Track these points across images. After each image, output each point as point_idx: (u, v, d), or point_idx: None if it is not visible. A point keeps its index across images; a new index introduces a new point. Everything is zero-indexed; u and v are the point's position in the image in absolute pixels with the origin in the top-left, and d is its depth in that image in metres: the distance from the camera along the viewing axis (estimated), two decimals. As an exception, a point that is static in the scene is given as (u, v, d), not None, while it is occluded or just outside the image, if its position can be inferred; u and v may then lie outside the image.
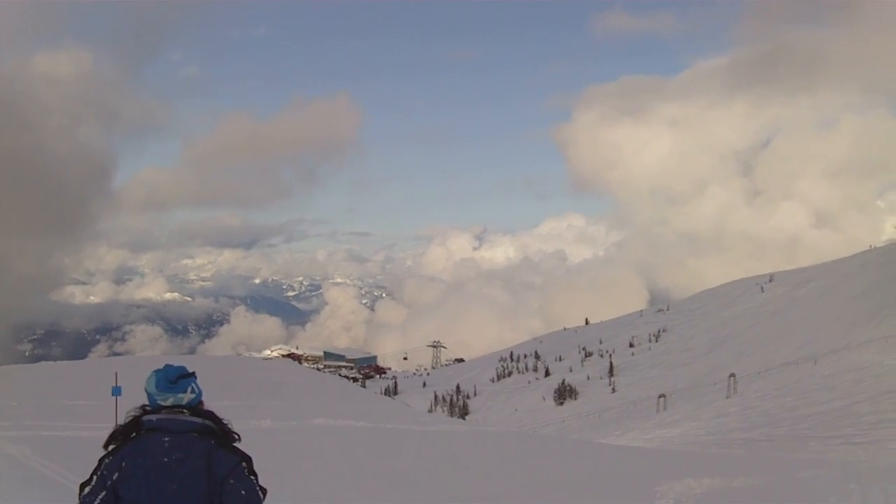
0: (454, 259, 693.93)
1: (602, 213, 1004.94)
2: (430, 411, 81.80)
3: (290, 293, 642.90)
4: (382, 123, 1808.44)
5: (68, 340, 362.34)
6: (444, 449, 17.37)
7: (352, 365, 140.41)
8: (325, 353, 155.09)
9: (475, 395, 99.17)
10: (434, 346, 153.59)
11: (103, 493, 2.91)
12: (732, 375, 42.02)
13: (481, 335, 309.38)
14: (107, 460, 2.96)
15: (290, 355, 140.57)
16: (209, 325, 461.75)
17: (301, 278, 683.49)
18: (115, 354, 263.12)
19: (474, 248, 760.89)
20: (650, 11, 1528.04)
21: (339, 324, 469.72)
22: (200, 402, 3.16)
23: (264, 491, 3.09)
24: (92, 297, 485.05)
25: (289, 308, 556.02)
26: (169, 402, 3.06)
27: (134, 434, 3.02)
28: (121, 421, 3.14)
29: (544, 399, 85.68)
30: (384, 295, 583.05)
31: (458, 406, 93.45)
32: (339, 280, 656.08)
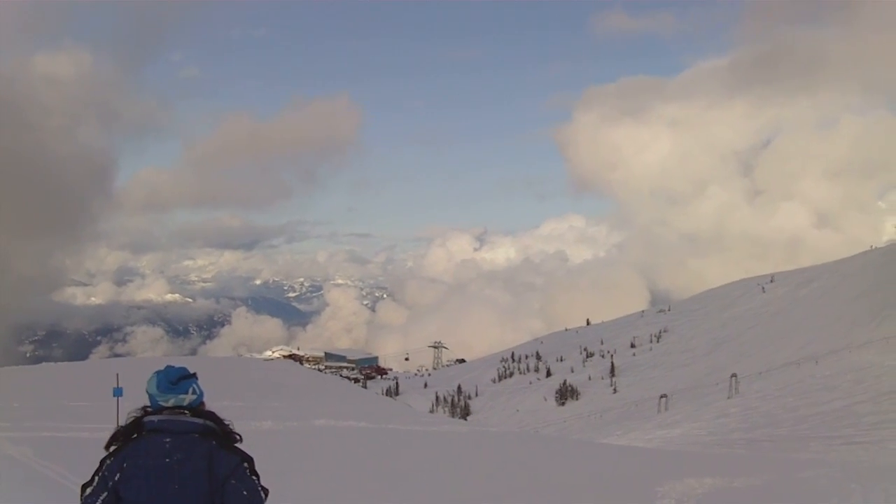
0: (455, 260, 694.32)
1: (603, 213, 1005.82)
2: (431, 412, 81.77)
3: (291, 294, 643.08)
4: (382, 124, 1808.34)
5: (69, 342, 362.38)
6: (445, 450, 17.37)
7: (353, 366, 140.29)
8: (326, 353, 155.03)
9: (476, 395, 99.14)
10: (435, 347, 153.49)
11: (105, 494, 2.91)
12: (734, 376, 42.02)
13: (482, 336, 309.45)
14: (108, 461, 2.97)
15: (292, 356, 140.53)
16: (210, 326, 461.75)
17: (302, 279, 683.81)
18: (116, 356, 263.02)
19: (475, 249, 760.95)
20: (650, 12, 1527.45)
21: (341, 325, 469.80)
22: (202, 403, 3.17)
23: (266, 491, 3.10)
24: (93, 299, 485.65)
25: (290, 309, 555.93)
26: (170, 403, 3.07)
27: (135, 435, 3.02)
28: (122, 422, 3.15)
29: (545, 399, 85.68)
30: (385, 296, 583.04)
31: (459, 407, 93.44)
32: (340, 281, 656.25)
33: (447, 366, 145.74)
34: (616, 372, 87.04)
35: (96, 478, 2.95)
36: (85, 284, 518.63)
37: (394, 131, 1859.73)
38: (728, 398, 38.15)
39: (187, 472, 2.92)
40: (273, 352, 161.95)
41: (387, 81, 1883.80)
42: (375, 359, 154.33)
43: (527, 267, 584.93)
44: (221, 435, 3.09)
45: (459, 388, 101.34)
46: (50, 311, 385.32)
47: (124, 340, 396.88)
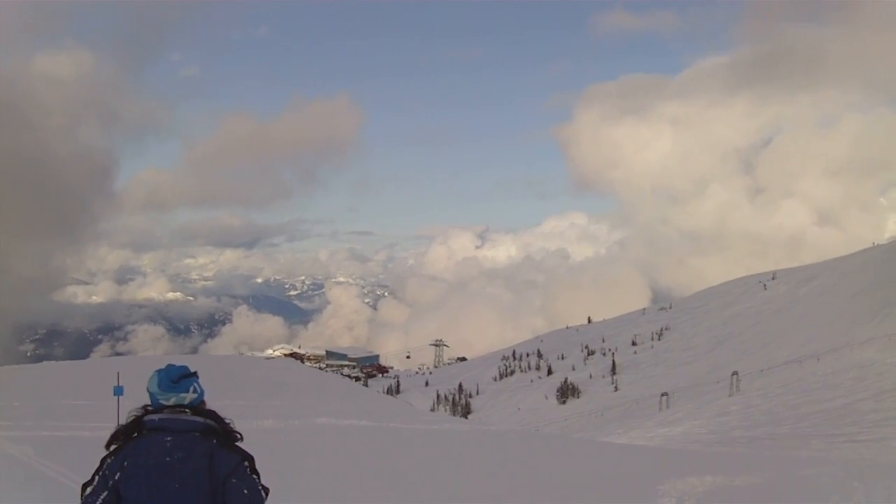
0: (456, 258, 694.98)
1: (604, 211, 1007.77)
2: (432, 410, 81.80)
3: (293, 292, 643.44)
4: (383, 123, 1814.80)
5: (70, 340, 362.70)
6: (446, 448, 17.35)
7: (354, 364, 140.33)
8: (327, 352, 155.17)
9: (477, 393, 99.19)
10: (436, 345, 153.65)
11: (105, 493, 2.90)
12: (735, 374, 42.01)
13: (483, 334, 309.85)
14: (109, 460, 2.95)
15: (293, 354, 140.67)
16: (211, 324, 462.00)
17: (303, 277, 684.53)
18: (118, 354, 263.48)
19: (476, 247, 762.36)
20: (651, 10, 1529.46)
21: (342, 323, 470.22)
22: (202, 402, 3.16)
23: (266, 490, 3.08)
24: (94, 297, 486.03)
25: (291, 307, 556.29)
26: (171, 402, 3.06)
27: (136, 434, 3.01)
28: (123, 421, 3.14)
29: (547, 398, 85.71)
30: (386, 294, 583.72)
31: (460, 405, 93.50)
32: (341, 279, 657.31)
33: (448, 364, 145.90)
34: (617, 370, 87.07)
35: (97, 477, 2.94)
36: (86, 283, 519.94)
37: (394, 131, 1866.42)
38: (729, 396, 38.14)
39: (188, 471, 2.91)
40: (274, 350, 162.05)
41: (387, 81, 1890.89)
42: (377, 357, 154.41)
43: (528, 265, 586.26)
44: (222, 434, 3.08)
45: (460, 386, 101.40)
46: (51, 309, 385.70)
47: (125, 339, 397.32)
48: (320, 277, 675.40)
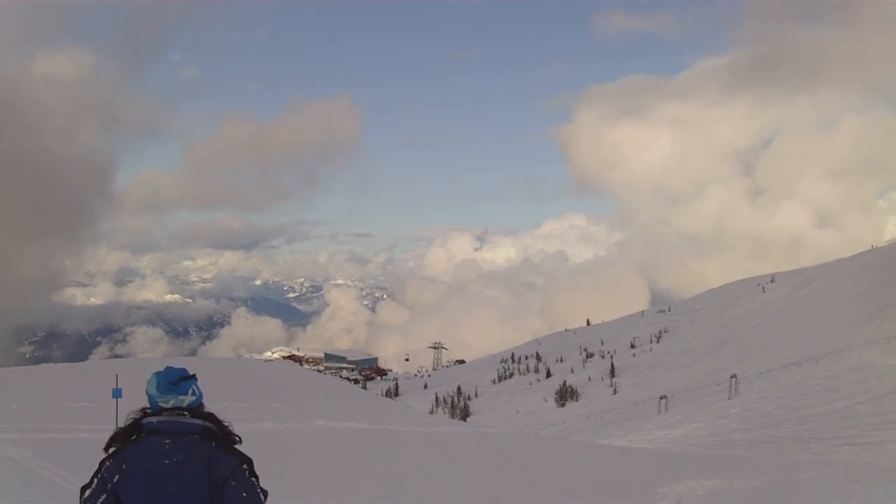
0: (455, 260, 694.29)
1: (603, 213, 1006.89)
2: (431, 413, 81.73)
3: (291, 295, 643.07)
4: (383, 125, 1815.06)
5: (69, 342, 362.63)
6: (445, 451, 17.35)
7: (353, 366, 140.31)
8: (326, 354, 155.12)
9: (476, 396, 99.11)
10: (435, 348, 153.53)
11: (104, 496, 2.89)
12: (734, 376, 42.01)
13: (482, 336, 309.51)
14: (107, 463, 2.95)
15: (291, 357, 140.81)
16: (210, 326, 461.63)
17: (302, 280, 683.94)
18: (116, 356, 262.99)
19: (475, 249, 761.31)
20: (650, 11, 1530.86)
21: (340, 325, 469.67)
22: (201, 405, 3.15)
23: (265, 493, 3.08)
24: (93, 299, 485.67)
25: (290, 309, 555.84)
26: (170, 405, 3.05)
27: (134, 436, 3.00)
28: (121, 423, 3.13)
29: (545, 400, 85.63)
30: (385, 296, 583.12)
31: (459, 408, 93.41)
32: (340, 281, 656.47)
33: (447, 367, 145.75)
34: (616, 372, 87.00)
35: (95, 479, 2.94)
36: (85, 285, 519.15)
37: (394, 132, 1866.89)
38: (728, 399, 38.14)
39: (187, 474, 2.90)
40: (273, 352, 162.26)
41: (387, 83, 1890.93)
42: (375, 360, 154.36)
43: (527, 267, 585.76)
44: (221, 436, 3.07)
45: (459, 389, 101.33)
46: (50, 311, 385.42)
47: (124, 341, 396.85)
48: (319, 279, 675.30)
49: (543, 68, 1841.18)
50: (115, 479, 2.89)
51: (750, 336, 77.08)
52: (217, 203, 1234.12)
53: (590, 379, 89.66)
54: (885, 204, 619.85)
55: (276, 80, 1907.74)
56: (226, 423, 3.15)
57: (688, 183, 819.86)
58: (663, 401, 45.40)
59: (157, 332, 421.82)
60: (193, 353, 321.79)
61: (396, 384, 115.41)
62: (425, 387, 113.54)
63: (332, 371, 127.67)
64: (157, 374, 3.11)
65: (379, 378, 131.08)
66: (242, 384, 32.01)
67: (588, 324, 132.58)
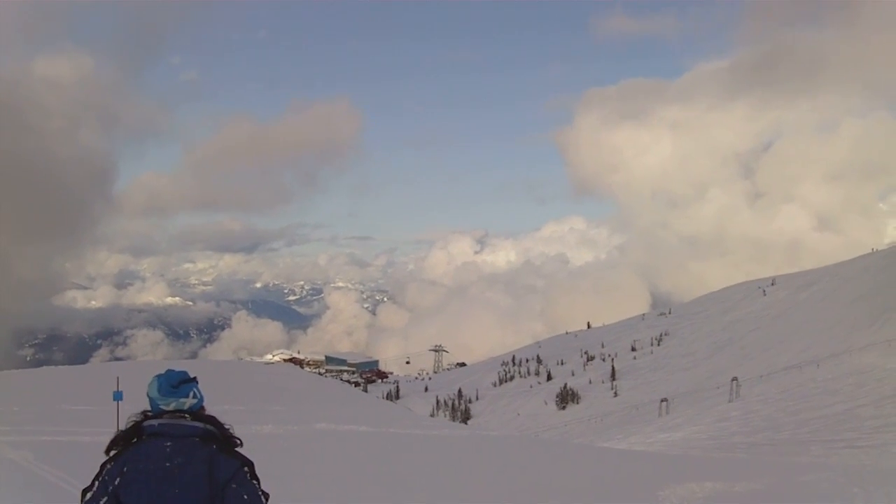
0: (456, 263, 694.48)
1: (604, 216, 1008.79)
2: (431, 416, 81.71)
3: (292, 297, 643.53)
4: (383, 126, 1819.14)
5: (69, 345, 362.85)
6: (445, 453, 17.34)
7: (353, 369, 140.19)
8: (326, 357, 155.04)
9: (477, 399, 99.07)
10: (436, 351, 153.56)
11: (105, 499, 2.89)
12: (735, 379, 41.99)
13: (483, 339, 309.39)
14: (108, 466, 2.95)
15: (292, 360, 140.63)
16: (210, 329, 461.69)
17: (302, 282, 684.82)
18: (117, 359, 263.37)
19: (476, 252, 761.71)
20: (650, 14, 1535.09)
21: (341, 328, 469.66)
22: (202, 408, 3.16)
23: (266, 495, 3.08)
24: (93, 302, 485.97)
25: (290, 312, 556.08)
26: (171, 407, 3.05)
27: (135, 439, 3.01)
28: (122, 426, 3.14)
29: (546, 403, 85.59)
30: (386, 299, 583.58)
31: (459, 410, 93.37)
32: (340, 284, 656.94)
33: (448, 369, 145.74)
34: (617, 375, 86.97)
35: (96, 482, 2.94)
36: (85, 288, 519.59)
37: (394, 134, 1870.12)
38: (729, 402, 38.11)
39: (188, 477, 2.90)
40: (273, 355, 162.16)
41: (387, 84, 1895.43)
42: (376, 362, 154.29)
43: (527, 269, 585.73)
44: (222, 439, 3.07)
45: (460, 391, 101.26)
46: (50, 314, 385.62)
47: (125, 344, 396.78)
48: (319, 282, 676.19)
49: (543, 70, 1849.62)
50: (117, 482, 2.90)
51: (750, 339, 77.04)
52: (217, 205, 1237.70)
53: (590, 382, 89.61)
54: (885, 207, 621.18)
55: (276, 82, 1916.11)
56: (227, 426, 3.15)
57: (688, 186, 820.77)
58: (664, 403, 45.40)
59: (158, 334, 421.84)
60: (194, 355, 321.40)
61: (397, 387, 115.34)
62: (426, 389, 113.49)
63: (333, 374, 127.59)
64: (159, 376, 3.12)
65: (380, 381, 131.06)
66: (243, 387, 32.01)
67: (589, 327, 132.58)
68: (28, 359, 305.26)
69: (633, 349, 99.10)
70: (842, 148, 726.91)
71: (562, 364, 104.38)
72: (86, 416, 19.38)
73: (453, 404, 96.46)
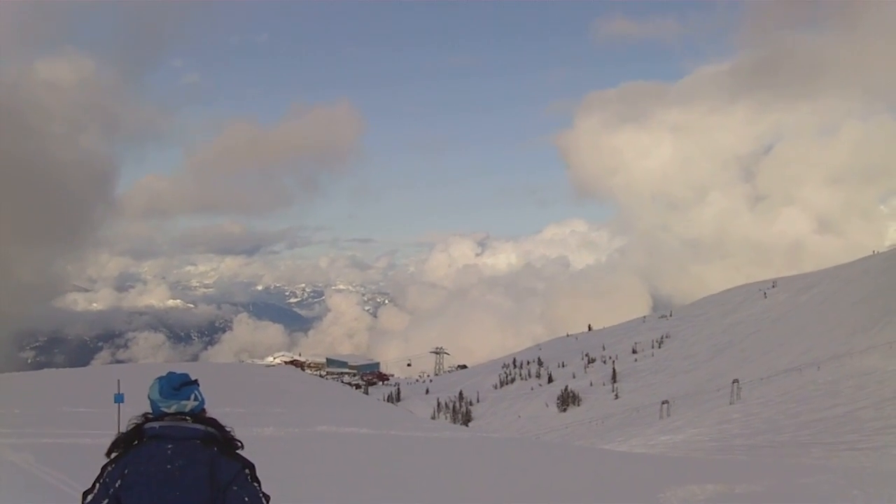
0: (456, 265, 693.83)
1: (604, 219, 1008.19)
2: (432, 418, 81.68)
3: (293, 300, 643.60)
4: (383, 130, 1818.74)
5: (71, 348, 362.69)
6: (447, 456, 17.35)
7: (354, 371, 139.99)
8: (327, 359, 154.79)
9: (478, 401, 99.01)
10: (437, 353, 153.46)
11: (106, 501, 2.90)
12: (735, 381, 41.95)
13: (484, 342, 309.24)
14: (109, 468, 2.96)
15: (293, 362, 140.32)
16: (212, 332, 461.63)
17: (303, 285, 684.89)
18: (118, 362, 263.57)
19: (476, 255, 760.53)
20: (651, 17, 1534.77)
21: (342, 330, 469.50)
22: (203, 410, 3.16)
23: (267, 498, 3.09)
24: (94, 305, 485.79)
25: (291, 315, 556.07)
26: (172, 409, 3.06)
27: (136, 441, 3.02)
28: (123, 428, 3.15)
29: (547, 405, 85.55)
30: (387, 301, 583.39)
31: (461, 413, 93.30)
32: (341, 287, 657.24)
33: (449, 372, 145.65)
34: (618, 378, 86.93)
35: (97, 485, 2.95)
36: (86, 290, 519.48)
37: (395, 137, 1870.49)
38: (730, 404, 38.09)
39: (189, 479, 2.91)
40: (274, 358, 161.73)
41: (387, 88, 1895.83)
42: (377, 364, 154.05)
43: (528, 272, 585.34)
44: (223, 441, 3.08)
45: (461, 394, 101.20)
46: (51, 317, 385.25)
47: (126, 346, 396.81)
48: (320, 285, 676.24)
49: (544, 74, 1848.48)
50: (118, 484, 2.90)
51: (751, 341, 77.01)
52: (218, 208, 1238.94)
53: (591, 384, 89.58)
54: (885, 209, 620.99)
55: (277, 85, 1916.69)
56: (228, 429, 3.16)
57: (689, 189, 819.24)
58: (665, 406, 45.35)
59: (159, 337, 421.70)
60: (195, 358, 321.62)
61: (398, 389, 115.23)
62: (427, 392, 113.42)
63: (334, 376, 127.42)
64: (160, 378, 3.13)
65: (381, 383, 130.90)
66: (244, 389, 32.04)
67: (590, 329, 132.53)
68: (29, 361, 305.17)
69: (634, 351, 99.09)
70: (842, 151, 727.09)
71: (563, 366, 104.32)
72: (87, 419, 19.40)
73: (454, 407, 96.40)
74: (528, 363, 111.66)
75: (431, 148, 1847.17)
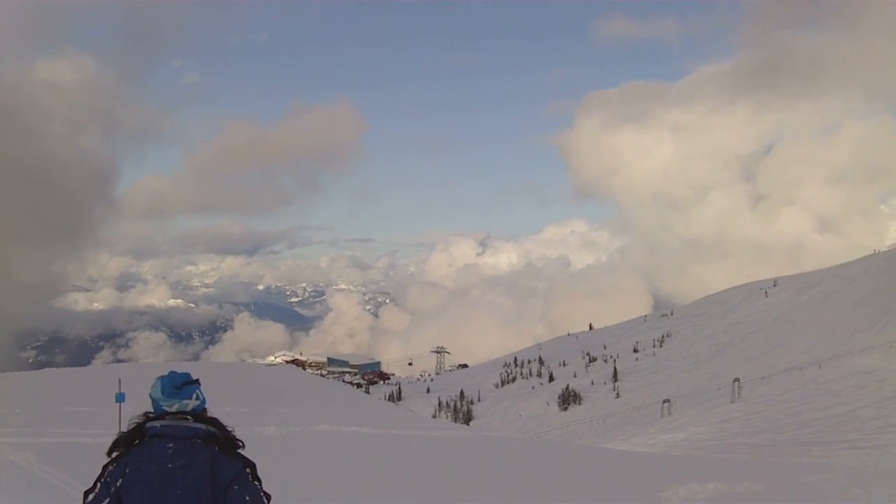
0: (457, 265, 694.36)
1: (605, 218, 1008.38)
2: (433, 417, 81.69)
3: (294, 299, 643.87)
4: (384, 130, 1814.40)
5: (72, 347, 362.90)
6: (448, 455, 17.35)
7: (355, 371, 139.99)
8: (328, 359, 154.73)
9: (479, 400, 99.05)
10: (438, 352, 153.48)
11: (107, 500, 2.90)
12: (736, 380, 41.97)
13: (485, 341, 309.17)
14: (110, 467, 2.96)
15: (294, 361, 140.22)
16: (213, 331, 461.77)
17: (304, 284, 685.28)
18: (119, 361, 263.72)
19: (477, 255, 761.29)
20: (651, 17, 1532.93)
21: (343, 330, 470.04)
22: (204, 409, 3.16)
23: (268, 497, 3.09)
24: (95, 304, 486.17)
25: (292, 314, 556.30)
26: (174, 409, 3.06)
27: (138, 441, 3.02)
28: (124, 427, 3.15)
29: (548, 404, 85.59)
30: (388, 301, 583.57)
31: (461, 412, 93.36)
32: (342, 286, 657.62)
33: (450, 371, 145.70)
34: (619, 377, 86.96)
35: (98, 484, 2.95)
36: (87, 290, 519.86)
37: (395, 137, 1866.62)
38: (731, 403, 38.10)
39: (190, 478, 2.91)
40: (276, 357, 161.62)
41: (387, 87, 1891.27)
42: (378, 364, 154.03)
43: (529, 272, 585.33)
44: (224, 441, 3.08)
45: (462, 393, 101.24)
46: (52, 316, 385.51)
47: (127, 346, 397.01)
48: (321, 284, 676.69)
49: (544, 74, 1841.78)
50: (119, 484, 2.90)
51: (752, 340, 77.03)
52: (219, 208, 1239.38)
53: (592, 383, 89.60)
54: (886, 209, 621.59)
55: (277, 85, 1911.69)
56: (229, 428, 3.16)
57: (689, 189, 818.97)
58: (666, 405, 45.37)
59: (160, 336, 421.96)
60: (196, 357, 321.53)
61: (399, 388, 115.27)
62: (428, 391, 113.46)
63: (335, 375, 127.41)
64: (162, 378, 3.13)
65: (382, 382, 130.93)
66: (245, 389, 32.06)
67: (591, 328, 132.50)
68: (30, 361, 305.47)
69: (635, 350, 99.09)
70: (843, 150, 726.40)
71: (564, 365, 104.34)
72: (88, 418, 19.41)
73: (455, 406, 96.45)
74: (529, 362, 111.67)
75: (431, 148, 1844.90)
